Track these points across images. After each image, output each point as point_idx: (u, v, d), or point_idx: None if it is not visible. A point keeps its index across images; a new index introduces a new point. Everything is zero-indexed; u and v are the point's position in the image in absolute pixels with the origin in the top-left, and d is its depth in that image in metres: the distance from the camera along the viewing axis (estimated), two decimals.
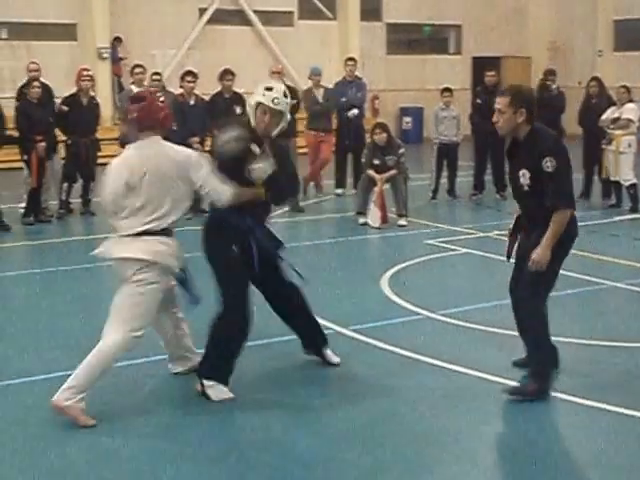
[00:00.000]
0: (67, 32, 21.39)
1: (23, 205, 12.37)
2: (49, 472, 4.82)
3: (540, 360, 5.84)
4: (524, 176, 5.69)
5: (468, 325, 7.32)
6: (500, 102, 5.70)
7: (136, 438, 5.24)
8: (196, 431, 5.31)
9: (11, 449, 5.09)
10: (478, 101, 14.63)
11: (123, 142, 13.76)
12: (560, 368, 6.06)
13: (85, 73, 12.88)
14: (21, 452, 5.06)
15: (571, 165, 5.75)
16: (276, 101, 5.86)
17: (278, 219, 12.79)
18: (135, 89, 13.62)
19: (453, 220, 12.86)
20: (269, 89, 5.92)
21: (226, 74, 13.09)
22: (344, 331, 7.19)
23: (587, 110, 14.01)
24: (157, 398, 5.87)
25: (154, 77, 14.14)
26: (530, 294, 5.76)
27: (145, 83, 13.83)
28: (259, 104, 5.89)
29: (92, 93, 13.14)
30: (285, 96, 5.91)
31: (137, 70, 13.77)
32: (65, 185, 12.59)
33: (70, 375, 5.41)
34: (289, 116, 6.03)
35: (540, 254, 5.59)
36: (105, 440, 5.17)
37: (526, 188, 5.72)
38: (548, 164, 5.54)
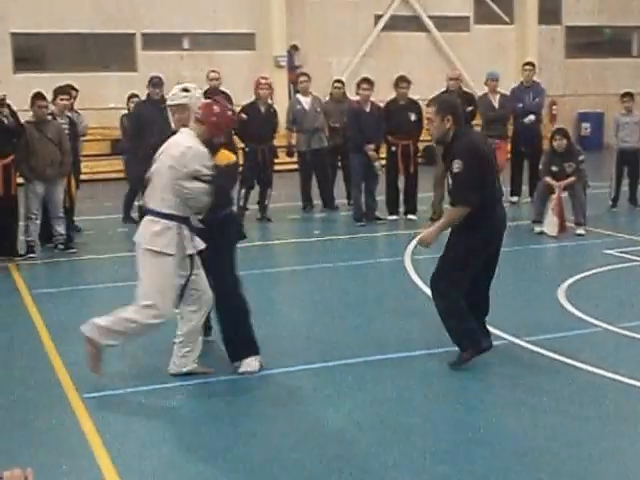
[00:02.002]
0: (246, 41, 22.09)
1: None
2: None
3: (456, 334, 6.39)
4: (449, 177, 6.31)
5: None
6: (429, 112, 6.30)
7: None
8: None
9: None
10: None
11: (291, 152, 14.08)
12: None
13: (264, 82, 13.17)
14: None
15: (481, 167, 6.14)
16: (173, 97, 6.39)
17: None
18: (301, 97, 13.92)
19: (634, 229, 12.42)
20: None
21: (401, 81, 13.10)
22: (519, 342, 7.07)
23: None
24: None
25: (336, 85, 14.36)
26: (440, 277, 6.34)
27: (311, 90, 14.05)
28: (168, 107, 6.47)
29: (270, 101, 13.40)
30: (185, 90, 6.34)
31: (302, 79, 14.16)
32: (243, 191, 12.81)
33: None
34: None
35: (427, 233, 6.29)
36: None
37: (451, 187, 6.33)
38: (455, 165, 6.09)
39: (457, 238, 6.31)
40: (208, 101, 6.21)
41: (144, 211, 6.20)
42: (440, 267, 6.37)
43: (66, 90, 11.71)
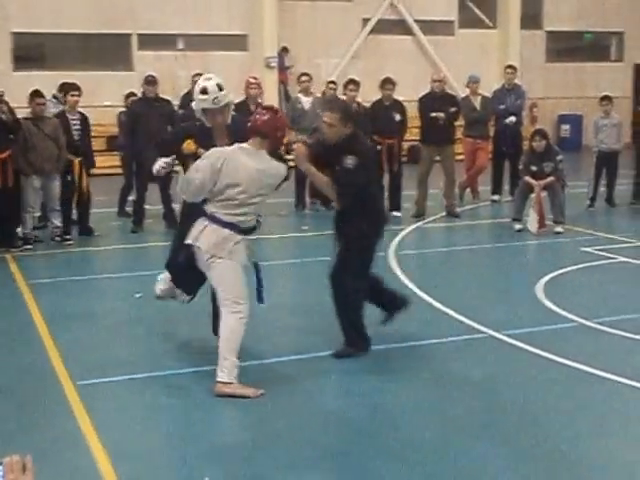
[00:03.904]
0: (238, 43, 22.26)
1: None
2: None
3: (350, 327, 6.68)
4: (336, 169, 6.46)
5: (623, 334, 7.20)
6: (331, 117, 6.47)
7: None
8: None
9: None
10: None
11: (290, 149, 14.29)
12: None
13: (253, 81, 13.35)
14: None
15: (368, 167, 6.58)
16: (217, 100, 6.23)
17: (433, 224, 13.08)
18: (303, 97, 14.05)
19: (611, 228, 12.61)
20: (204, 91, 6.24)
21: (386, 83, 13.34)
22: (497, 335, 7.21)
23: None
24: None
25: (330, 85, 14.51)
26: (341, 272, 6.56)
27: (312, 90, 14.24)
28: (205, 110, 6.29)
29: (259, 100, 13.59)
30: (221, 89, 6.24)
31: (303, 78, 14.11)
32: None
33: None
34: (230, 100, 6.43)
35: (305, 160, 6.50)
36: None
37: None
38: (349, 161, 6.35)
39: (350, 234, 6.58)
40: (270, 114, 6.03)
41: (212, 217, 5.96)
42: (339, 262, 6.62)
43: (76, 86, 11.66)
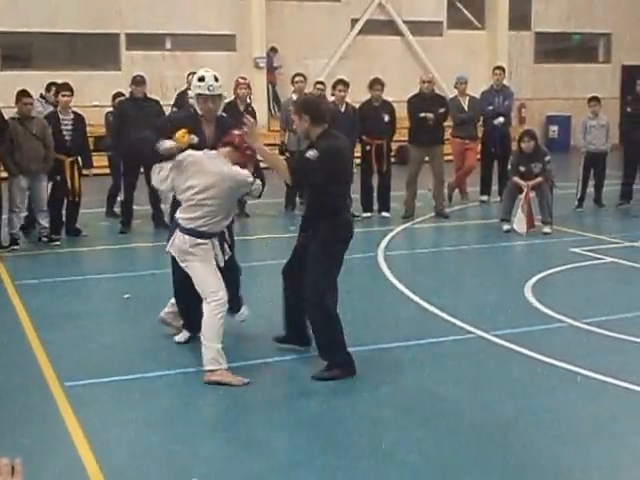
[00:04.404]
0: (227, 43, 22.24)
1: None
2: None
3: (332, 349, 6.32)
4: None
5: (611, 334, 7.24)
6: (292, 111, 6.60)
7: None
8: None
9: None
10: (628, 110, 14.48)
11: (282, 150, 14.25)
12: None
13: (242, 81, 13.36)
14: None
15: (331, 172, 6.15)
16: (211, 88, 6.60)
17: (422, 225, 13.10)
18: (295, 97, 13.95)
19: (599, 229, 12.69)
20: (201, 79, 6.64)
21: (375, 83, 13.32)
22: (486, 336, 7.24)
23: None
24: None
25: (318, 86, 14.46)
26: (309, 289, 6.26)
27: (306, 91, 14.20)
28: (199, 95, 6.65)
29: (248, 100, 13.56)
30: (216, 80, 6.63)
31: (297, 79, 13.95)
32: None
33: None
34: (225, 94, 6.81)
35: (260, 143, 6.24)
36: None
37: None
38: (311, 152, 6.14)
39: (315, 250, 6.26)
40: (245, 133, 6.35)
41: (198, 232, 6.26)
42: (316, 282, 6.25)
43: (68, 86, 11.50)
